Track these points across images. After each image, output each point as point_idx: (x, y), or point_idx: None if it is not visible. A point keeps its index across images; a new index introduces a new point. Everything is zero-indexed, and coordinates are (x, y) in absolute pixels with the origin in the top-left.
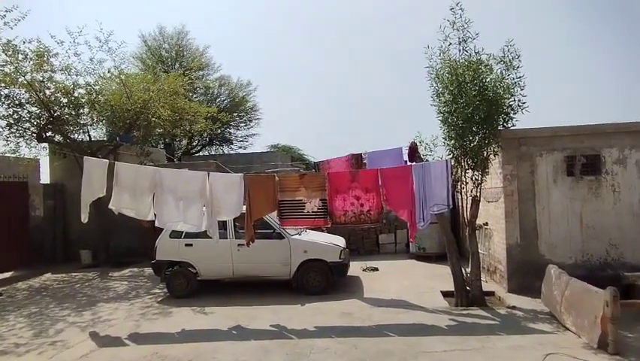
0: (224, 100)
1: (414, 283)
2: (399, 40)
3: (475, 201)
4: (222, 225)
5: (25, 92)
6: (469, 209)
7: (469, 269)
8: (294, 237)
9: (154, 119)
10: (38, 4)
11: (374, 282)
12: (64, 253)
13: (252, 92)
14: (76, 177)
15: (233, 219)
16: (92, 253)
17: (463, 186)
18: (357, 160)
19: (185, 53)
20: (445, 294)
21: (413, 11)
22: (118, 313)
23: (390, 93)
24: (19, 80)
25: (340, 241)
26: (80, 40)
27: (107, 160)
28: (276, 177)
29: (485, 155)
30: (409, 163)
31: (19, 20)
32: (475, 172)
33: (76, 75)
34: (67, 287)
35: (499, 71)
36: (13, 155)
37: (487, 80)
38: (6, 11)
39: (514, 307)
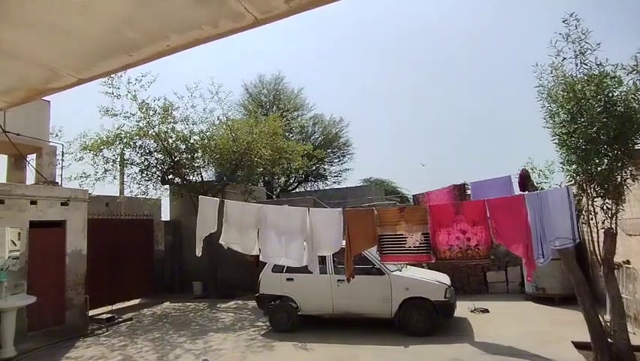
0: (318, 137)
1: (535, 329)
2: (498, 61)
3: (610, 235)
4: (322, 260)
5: (154, 142)
6: (602, 244)
7: (608, 316)
8: (394, 273)
9: (256, 159)
10: (164, 68)
11: (485, 325)
12: (180, 284)
13: (345, 128)
14: (189, 214)
15: (333, 255)
16: (203, 285)
17: (591, 216)
18: (460, 191)
19: (281, 97)
20: (578, 345)
21: (509, 33)
22: (226, 344)
23: (492, 119)
24: (149, 132)
25: (444, 279)
26: (196, 94)
27: (218, 199)
28: (375, 211)
29: (620, 180)
30: (520, 192)
31: (151, 83)
32: (607, 200)
33: (193, 124)
34: (183, 316)
35: (631, 82)
36: (143, 196)
37: (616, 93)
38: (142, 76)
39: None
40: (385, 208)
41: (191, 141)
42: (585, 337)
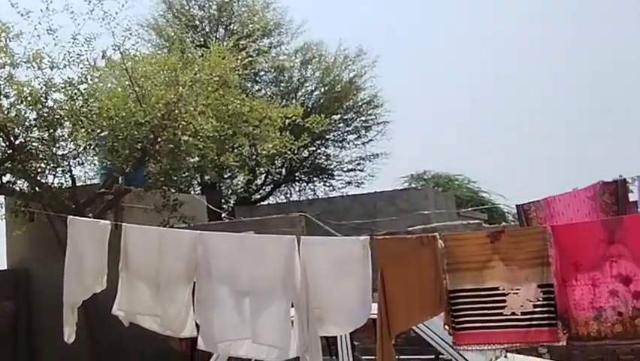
0: (312, 90)
1: None
2: None
3: None
4: (329, 345)
5: None
6: None
7: None
8: None
9: (185, 137)
10: None
11: None
12: None
13: (369, 69)
14: (48, 256)
15: (352, 334)
16: None
17: None
18: (614, 194)
19: (234, 8)
20: None
21: None
22: None
23: None
24: None
25: None
26: (58, 4)
27: (109, 222)
28: (439, 241)
29: None
30: None
31: None
32: None
33: (51, 68)
34: None
35: None
36: None
37: None
38: None
39: None
40: (458, 235)
41: (49, 103)
42: None
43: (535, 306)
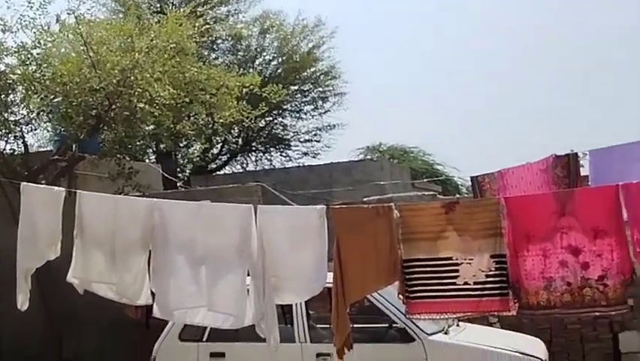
0: (270, 60)
1: None
2: None
3: None
4: (285, 313)
5: None
6: None
7: None
8: (434, 338)
9: (141, 104)
10: None
11: None
12: None
13: (328, 40)
14: (3, 223)
15: (308, 303)
16: None
17: None
18: (566, 168)
19: None
20: None
21: None
22: None
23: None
24: None
25: (536, 349)
26: None
27: (63, 189)
28: (395, 212)
29: None
30: None
31: None
32: None
33: (4, 31)
34: None
35: None
36: None
37: None
38: None
39: None
40: (414, 206)
41: (1, 67)
42: None
43: (487, 276)
